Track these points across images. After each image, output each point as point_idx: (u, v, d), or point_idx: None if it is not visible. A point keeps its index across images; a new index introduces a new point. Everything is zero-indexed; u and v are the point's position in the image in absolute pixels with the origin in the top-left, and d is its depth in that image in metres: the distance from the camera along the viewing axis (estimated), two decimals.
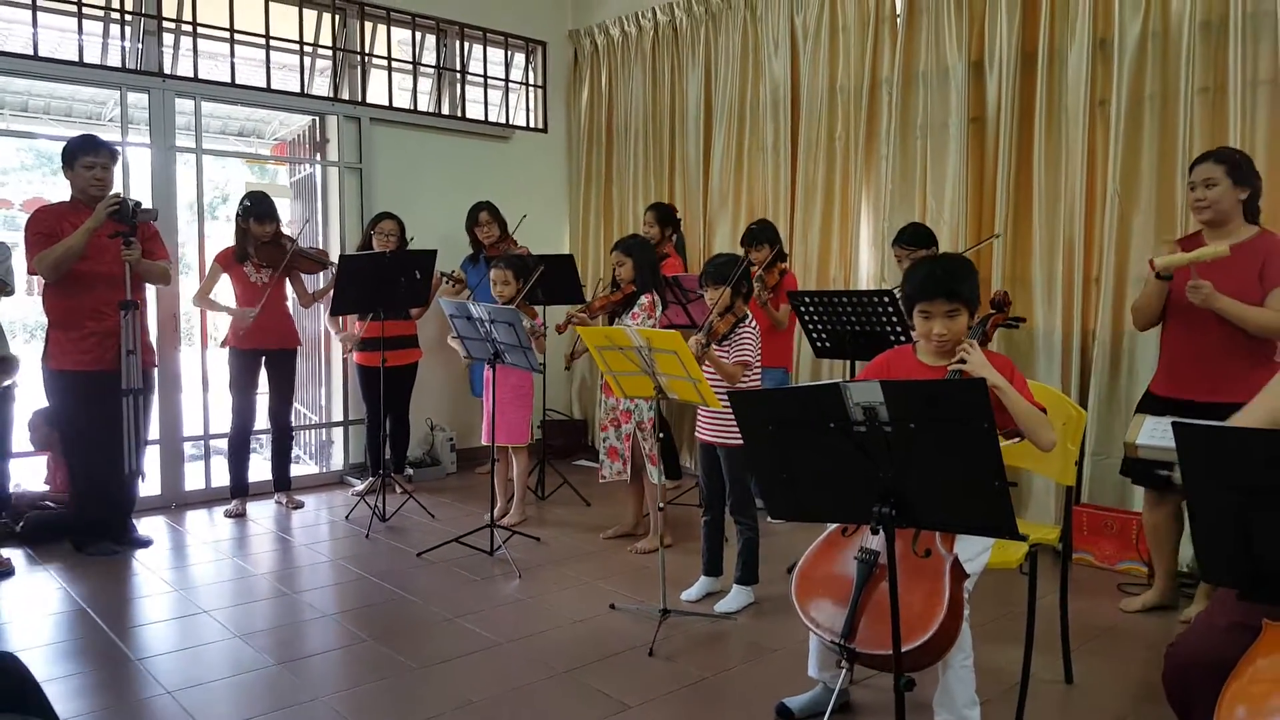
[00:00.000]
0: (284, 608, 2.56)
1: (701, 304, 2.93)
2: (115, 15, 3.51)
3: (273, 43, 3.86)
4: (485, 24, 4.54)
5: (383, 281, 3.39)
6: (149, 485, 3.44)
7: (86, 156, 2.89)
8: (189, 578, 2.82)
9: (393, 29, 4.30)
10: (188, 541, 3.24)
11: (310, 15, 4.02)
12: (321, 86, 4.17)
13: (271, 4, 3.86)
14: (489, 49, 4.61)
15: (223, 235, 4.48)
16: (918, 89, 3.40)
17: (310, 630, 2.41)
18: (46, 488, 3.30)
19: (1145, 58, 2.81)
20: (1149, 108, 2.81)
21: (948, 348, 1.68)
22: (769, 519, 3.16)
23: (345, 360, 4.12)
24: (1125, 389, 2.86)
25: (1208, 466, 1.03)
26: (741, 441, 2.19)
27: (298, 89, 4.03)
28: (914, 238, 2.98)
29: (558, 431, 4.57)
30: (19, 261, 2.96)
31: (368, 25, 4.19)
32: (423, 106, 4.42)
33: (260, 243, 3.51)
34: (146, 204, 3.25)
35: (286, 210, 4.43)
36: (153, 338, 3.30)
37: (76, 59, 3.43)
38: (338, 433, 4.25)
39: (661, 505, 2.56)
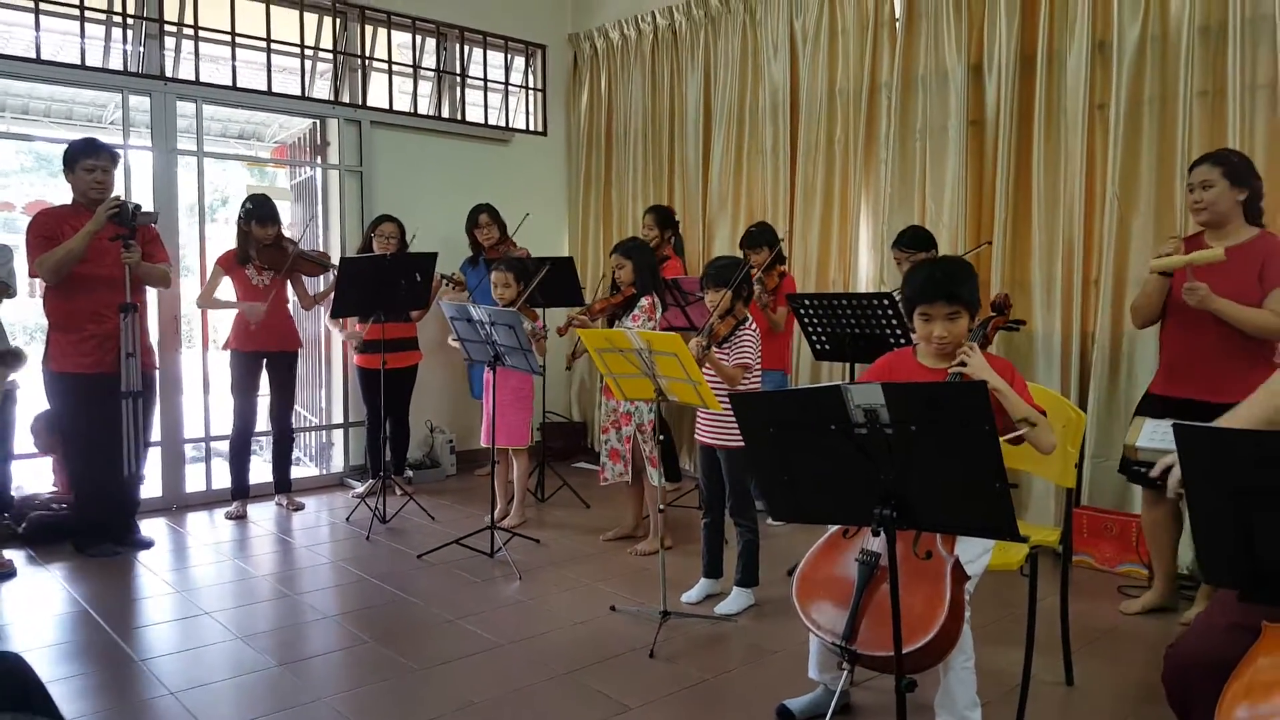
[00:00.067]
0: (285, 609, 2.56)
1: (701, 306, 2.93)
2: (117, 18, 3.52)
3: (274, 46, 3.87)
4: (485, 27, 4.55)
5: (383, 284, 3.39)
6: (150, 487, 3.45)
7: (87, 159, 2.89)
8: (190, 579, 2.82)
9: (393, 32, 4.31)
10: (189, 543, 3.24)
11: (311, 18, 4.04)
12: (322, 89, 4.18)
13: (272, 7, 3.87)
14: (489, 52, 4.63)
15: (222, 238, 4.49)
16: (917, 92, 3.41)
17: (312, 631, 2.41)
18: (54, 489, 3.30)
19: (1144, 61, 2.82)
20: (1148, 111, 2.82)
21: (948, 350, 1.69)
22: (769, 521, 3.19)
23: (345, 362, 4.12)
24: (1125, 391, 2.87)
25: (1208, 468, 1.03)
26: (741, 444, 2.19)
27: (298, 92, 4.04)
28: (913, 240, 2.99)
29: (557, 434, 4.57)
30: (20, 264, 2.96)
31: (368, 28, 4.20)
32: (423, 110, 4.43)
33: (262, 245, 3.52)
34: (147, 207, 3.26)
35: (287, 213, 4.44)
36: (154, 340, 3.31)
37: (78, 62, 3.44)
38: (338, 435, 4.25)
39: (662, 507, 2.56)
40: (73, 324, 2.90)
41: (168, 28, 3.63)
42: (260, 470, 3.79)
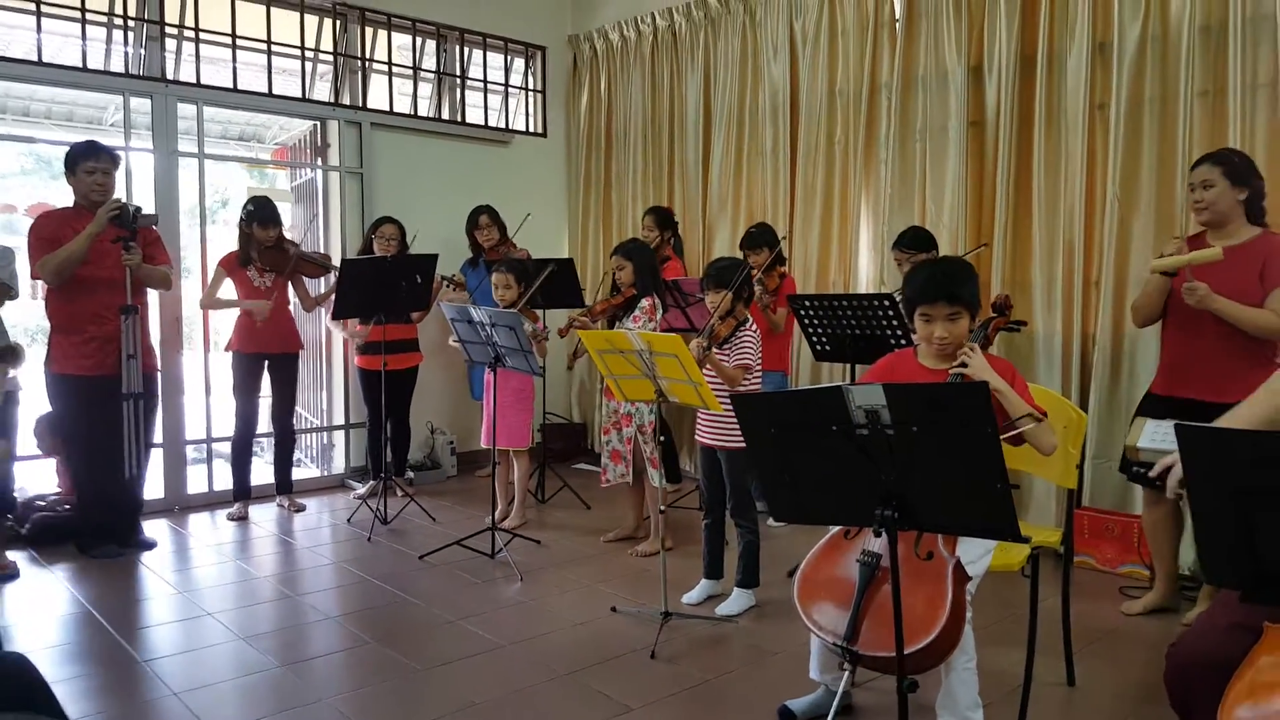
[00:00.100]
0: (287, 610, 2.56)
1: (701, 308, 2.93)
2: (118, 21, 3.53)
3: (274, 48, 3.88)
4: (485, 29, 4.56)
5: (384, 285, 3.40)
6: (152, 488, 3.45)
7: (88, 162, 2.90)
8: (192, 580, 2.82)
9: (393, 34, 4.32)
10: (191, 544, 3.24)
11: (311, 20, 4.04)
12: (322, 91, 4.18)
13: (273, 9, 3.88)
14: (489, 54, 4.63)
15: (222, 239, 4.49)
16: (917, 93, 3.41)
17: (314, 632, 2.41)
18: (58, 491, 3.30)
19: (1145, 61, 2.82)
20: (1148, 111, 2.82)
21: (949, 351, 1.69)
22: (769, 522, 3.20)
23: (346, 364, 4.13)
24: (1126, 392, 2.87)
25: (1209, 468, 1.03)
26: (742, 444, 2.18)
27: (299, 94, 4.04)
28: (914, 241, 2.99)
29: (557, 435, 4.57)
30: (22, 266, 2.97)
31: (368, 30, 4.21)
32: (423, 111, 4.43)
33: (263, 247, 3.52)
34: (148, 209, 3.27)
35: (287, 215, 4.44)
36: (156, 342, 3.31)
37: (80, 64, 3.45)
38: (339, 436, 4.25)
39: (662, 508, 2.56)
40: (74, 326, 2.91)
41: (168, 30, 3.64)
42: (262, 471, 3.79)
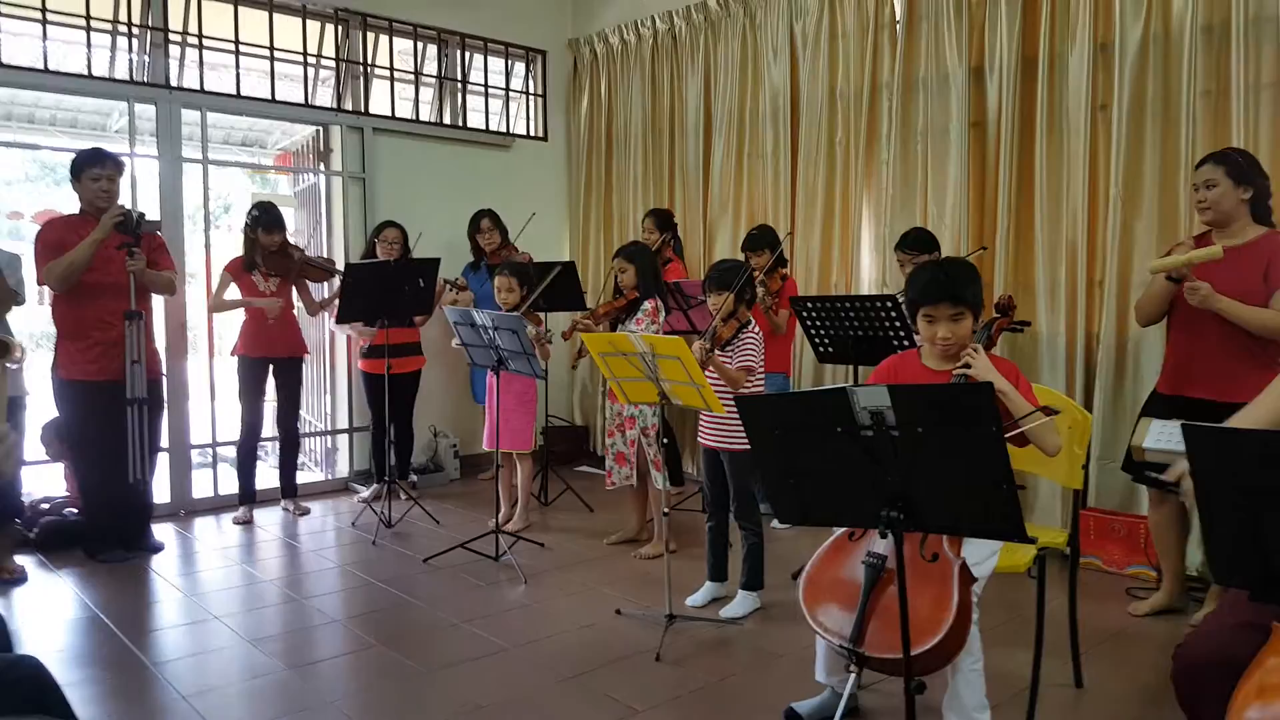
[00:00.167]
0: (293, 613, 2.57)
1: (703, 310, 2.94)
2: (123, 28, 3.55)
3: (277, 54, 3.90)
4: (486, 34, 4.58)
5: (388, 289, 3.41)
6: (158, 493, 3.46)
7: (93, 169, 2.92)
8: (199, 584, 2.83)
9: (395, 39, 4.33)
10: (197, 548, 3.25)
11: (313, 26, 4.06)
12: (325, 97, 4.20)
13: (275, 15, 3.90)
14: (490, 58, 4.65)
15: (224, 244, 4.51)
16: (918, 94, 3.41)
17: (319, 635, 2.41)
18: (66, 495, 3.32)
19: (1147, 62, 2.82)
20: (1150, 112, 2.82)
21: (952, 351, 1.69)
22: (773, 524, 3.19)
23: (350, 368, 4.14)
24: (1131, 393, 2.86)
25: (1217, 468, 1.03)
26: (745, 446, 2.18)
27: (302, 99, 4.06)
28: (916, 242, 2.99)
29: (560, 437, 4.58)
30: (29, 272, 2.99)
31: (370, 36, 4.23)
32: (425, 116, 4.45)
33: (268, 252, 3.54)
34: (153, 215, 3.28)
35: (290, 220, 4.46)
36: (161, 347, 3.32)
37: (85, 71, 3.47)
38: (343, 440, 4.26)
39: (666, 511, 2.56)
40: (80, 331, 2.92)
41: (172, 36, 3.66)
42: (267, 475, 3.80)
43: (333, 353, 4.29)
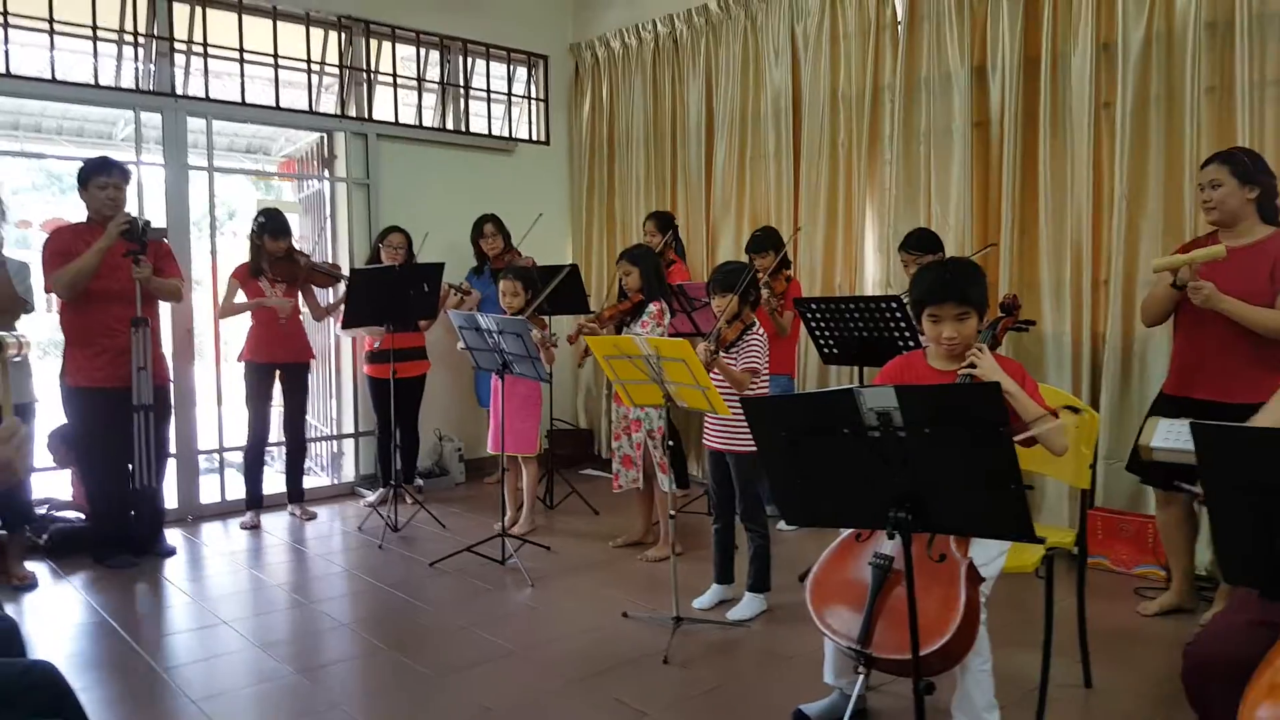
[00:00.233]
0: (301, 618, 2.58)
1: (707, 312, 2.94)
2: (128, 37, 3.58)
3: (281, 61, 3.92)
4: (488, 39, 4.60)
5: (393, 294, 3.43)
6: (166, 498, 3.47)
7: (100, 177, 2.94)
8: (207, 589, 2.84)
9: (398, 46, 4.36)
10: (205, 553, 3.26)
11: (317, 34, 4.08)
12: (329, 103, 4.22)
13: (279, 24, 3.92)
14: (492, 64, 4.67)
15: (228, 251, 4.53)
16: (920, 94, 3.41)
17: (328, 640, 2.42)
18: (69, 500, 3.33)
19: (1150, 59, 2.81)
20: (1154, 109, 2.81)
21: (957, 351, 1.69)
22: (779, 526, 3.19)
23: (356, 372, 4.15)
24: (1137, 392, 2.85)
25: (1227, 466, 1.03)
26: (750, 448, 2.18)
27: (306, 106, 4.08)
28: (920, 243, 2.99)
29: (565, 441, 4.58)
30: (37, 280, 3.01)
31: (373, 43, 4.25)
32: (428, 121, 4.47)
33: (274, 258, 3.56)
34: (159, 222, 3.30)
35: (295, 226, 4.48)
36: (168, 354, 3.34)
37: (92, 81, 3.50)
38: (348, 444, 4.28)
39: (672, 513, 2.56)
40: (86, 339, 2.94)
41: (177, 45, 3.69)
42: (274, 480, 3.82)
43: (338, 358, 4.31)
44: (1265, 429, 1.12)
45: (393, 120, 4.31)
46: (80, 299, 2.90)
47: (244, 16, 3.82)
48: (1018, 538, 1.27)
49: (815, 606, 1.59)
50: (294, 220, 4.46)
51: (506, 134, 4.78)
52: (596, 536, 3.37)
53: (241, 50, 3.81)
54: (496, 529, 3.10)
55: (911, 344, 2.54)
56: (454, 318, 3.07)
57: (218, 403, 3.82)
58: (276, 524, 3.61)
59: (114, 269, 2.90)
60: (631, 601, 2.62)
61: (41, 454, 3.31)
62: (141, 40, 3.60)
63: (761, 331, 2.53)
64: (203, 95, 3.75)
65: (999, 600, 1.77)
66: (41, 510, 3.21)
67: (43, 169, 9.27)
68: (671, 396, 2.32)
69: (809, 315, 2.80)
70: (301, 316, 3.74)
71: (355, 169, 4.19)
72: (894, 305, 2.58)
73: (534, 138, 4.87)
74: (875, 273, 3.63)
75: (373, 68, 4.25)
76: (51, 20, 3.35)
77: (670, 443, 2.81)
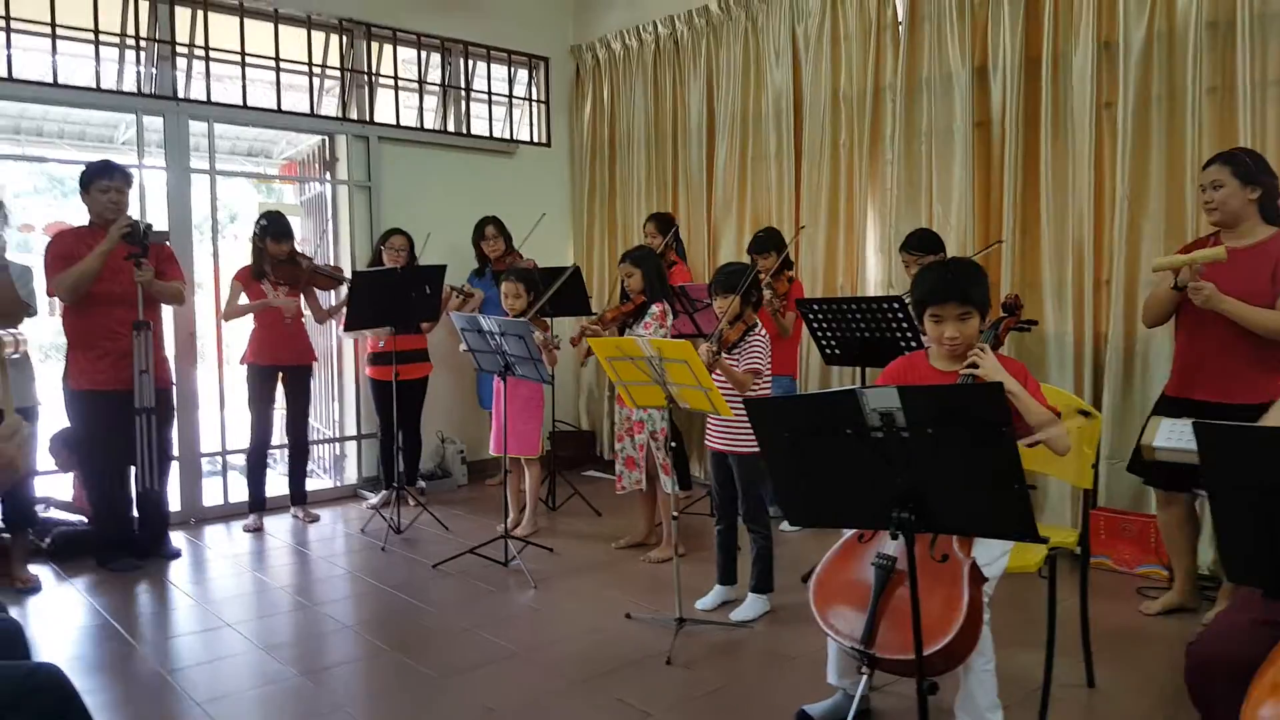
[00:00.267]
0: (305, 620, 2.58)
1: (709, 313, 2.94)
2: (130, 41, 3.59)
3: (282, 64, 3.93)
4: (489, 42, 4.60)
5: (395, 296, 3.43)
6: (169, 501, 3.48)
7: (102, 181, 2.95)
8: (211, 591, 2.84)
9: (399, 49, 4.36)
10: (208, 556, 3.27)
11: (318, 37, 4.09)
12: (330, 106, 4.23)
13: (281, 27, 3.93)
14: (493, 66, 4.67)
15: (230, 253, 4.53)
16: (921, 95, 3.41)
17: (331, 641, 2.43)
18: (70, 501, 3.34)
19: (1151, 59, 2.81)
20: (1156, 109, 2.81)
21: (959, 351, 1.69)
22: (782, 526, 3.19)
23: (358, 375, 4.16)
24: (1139, 392, 2.85)
25: (1229, 466, 1.03)
26: (753, 449, 2.18)
27: (307, 109, 4.09)
28: (921, 243, 2.99)
29: (567, 442, 4.58)
30: (39, 284, 3.02)
31: (374, 46, 4.26)
32: (429, 124, 4.47)
33: (277, 261, 3.57)
34: (161, 225, 3.31)
35: (297, 228, 4.49)
36: (171, 357, 3.35)
37: (94, 85, 3.51)
38: (351, 447, 4.28)
39: (675, 514, 2.57)
40: (89, 342, 2.95)
41: (179, 49, 3.70)
42: (276, 483, 3.82)
43: (340, 360, 4.31)
44: (1266, 428, 1.12)
45: (394, 123, 4.32)
46: (82, 302, 2.90)
47: (245, 20, 3.83)
48: (1020, 538, 1.27)
49: (818, 607, 1.60)
50: (296, 223, 4.47)
51: (508, 136, 4.79)
52: (599, 538, 3.37)
53: (243, 53, 3.82)
54: (499, 531, 3.11)
55: (913, 344, 2.55)
56: (456, 320, 3.08)
57: (220, 405, 3.83)
58: (279, 526, 3.62)
59: (116, 272, 2.91)
60: (634, 603, 2.62)
61: (44, 458, 3.32)
62: (143, 44, 3.61)
63: (764, 332, 2.53)
64: (204, 99, 3.76)
65: (1002, 600, 1.77)
66: (39, 508, 3.21)
67: (45, 173, 9.30)
68: (674, 398, 2.32)
69: (811, 316, 2.80)
70: (304, 319, 3.75)
71: (357, 171, 4.20)
72: (896, 306, 2.58)
73: (535, 139, 4.88)
74: (877, 273, 3.63)
75: (374, 70, 4.26)
76: (54, 24, 3.36)
77: (673, 444, 2.81)
